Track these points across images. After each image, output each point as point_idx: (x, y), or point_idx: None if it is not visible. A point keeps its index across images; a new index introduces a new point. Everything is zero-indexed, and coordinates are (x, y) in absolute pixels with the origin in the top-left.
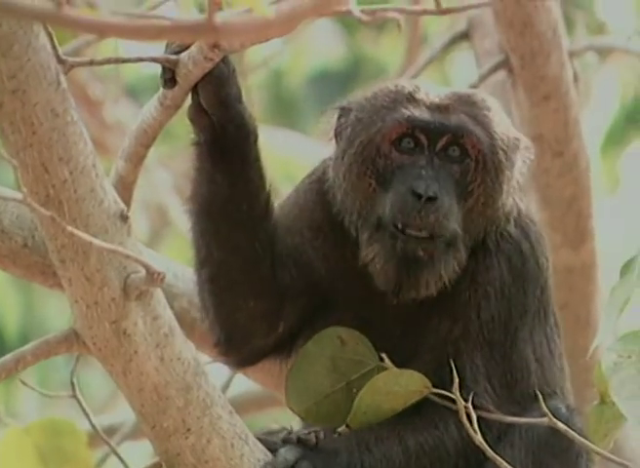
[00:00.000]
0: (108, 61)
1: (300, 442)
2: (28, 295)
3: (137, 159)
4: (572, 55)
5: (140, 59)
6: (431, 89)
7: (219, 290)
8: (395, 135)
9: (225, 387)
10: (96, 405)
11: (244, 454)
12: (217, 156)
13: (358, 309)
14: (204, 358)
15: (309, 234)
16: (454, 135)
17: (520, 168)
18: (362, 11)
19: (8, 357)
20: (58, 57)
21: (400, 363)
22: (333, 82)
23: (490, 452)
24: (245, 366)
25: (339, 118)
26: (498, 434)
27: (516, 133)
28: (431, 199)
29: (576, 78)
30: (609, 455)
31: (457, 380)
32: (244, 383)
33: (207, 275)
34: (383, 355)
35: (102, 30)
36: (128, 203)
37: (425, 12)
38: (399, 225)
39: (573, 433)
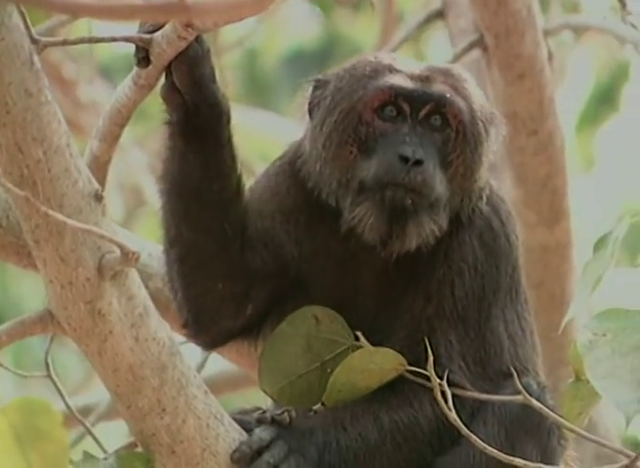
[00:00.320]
0: (82, 41)
1: (275, 421)
2: (3, 276)
3: (111, 139)
4: (546, 33)
5: (114, 39)
6: (411, 61)
7: (188, 270)
8: (377, 102)
9: (200, 367)
10: (71, 385)
11: (219, 434)
12: (189, 136)
13: (332, 290)
14: (179, 338)
15: (281, 218)
16: (436, 103)
17: (494, 143)
18: None
19: None
20: (31, 36)
21: (375, 342)
22: (308, 62)
23: (464, 430)
24: (213, 347)
25: (314, 91)
26: (471, 411)
27: (491, 108)
28: (418, 162)
29: (550, 57)
30: (582, 433)
31: (431, 358)
32: (219, 363)
33: (176, 255)
34: (359, 333)
35: (75, 10)
36: (102, 183)
37: None
38: (385, 181)
39: (546, 410)
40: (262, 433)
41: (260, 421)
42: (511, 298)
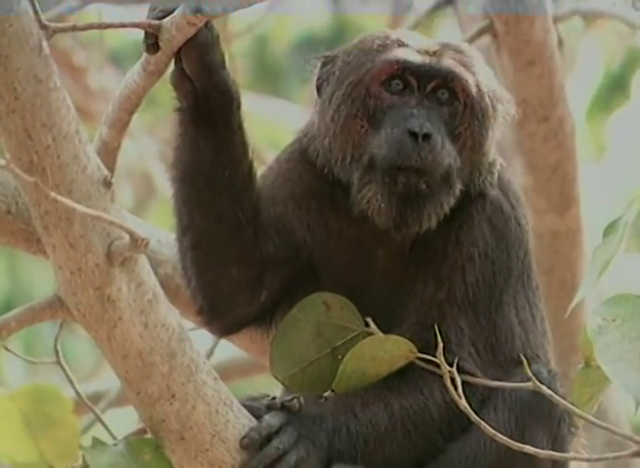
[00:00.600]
0: (91, 27)
1: (284, 408)
2: (13, 262)
3: (120, 125)
4: (556, 19)
5: (123, 25)
6: (419, 37)
7: (201, 257)
8: (385, 75)
9: (210, 354)
10: (83, 372)
11: (229, 421)
12: (200, 122)
13: (343, 277)
14: (188, 324)
15: (293, 203)
16: (444, 78)
17: (502, 119)
18: None
19: None
20: (40, 22)
21: (385, 328)
22: (318, 49)
23: (474, 417)
24: (228, 334)
25: (322, 67)
26: (481, 398)
27: (500, 87)
28: (427, 136)
29: (560, 43)
30: (593, 419)
31: (441, 345)
32: (228, 350)
33: (189, 242)
34: (369, 320)
35: None
36: (112, 169)
37: None
38: (398, 164)
39: (557, 397)
40: (272, 419)
41: (269, 407)
42: (523, 284)
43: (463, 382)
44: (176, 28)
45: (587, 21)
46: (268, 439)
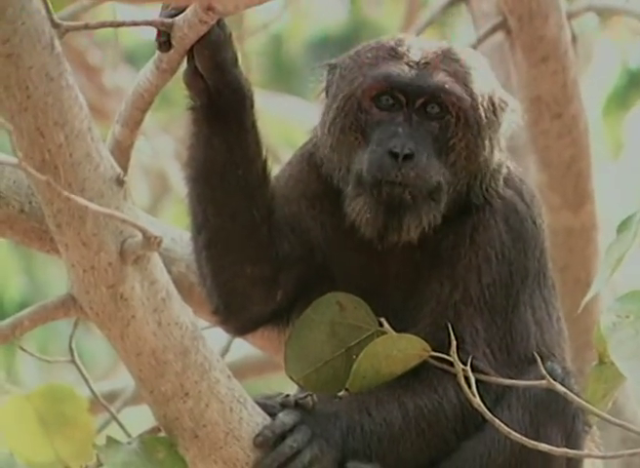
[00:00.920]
0: (103, 25)
1: (298, 406)
2: (29, 261)
3: (133, 123)
4: (570, 16)
5: (135, 23)
6: (416, 44)
7: (216, 256)
8: (374, 91)
9: (224, 352)
10: (99, 371)
11: (242, 418)
12: (213, 121)
13: (357, 278)
14: (202, 322)
15: (306, 203)
16: (432, 94)
17: (506, 129)
18: None
19: (5, 322)
20: (52, 20)
21: (400, 329)
22: (333, 47)
23: (488, 415)
24: (244, 333)
25: (327, 75)
26: (495, 396)
27: (504, 94)
28: (408, 156)
29: (574, 39)
30: (607, 417)
31: (454, 344)
32: (243, 348)
33: (204, 241)
34: (382, 319)
35: None
36: (125, 167)
37: None
38: (379, 178)
39: (571, 394)
40: (286, 417)
41: (283, 405)
42: (539, 283)
43: (477, 381)
44: (188, 26)
45: (603, 18)
46: (282, 437)
